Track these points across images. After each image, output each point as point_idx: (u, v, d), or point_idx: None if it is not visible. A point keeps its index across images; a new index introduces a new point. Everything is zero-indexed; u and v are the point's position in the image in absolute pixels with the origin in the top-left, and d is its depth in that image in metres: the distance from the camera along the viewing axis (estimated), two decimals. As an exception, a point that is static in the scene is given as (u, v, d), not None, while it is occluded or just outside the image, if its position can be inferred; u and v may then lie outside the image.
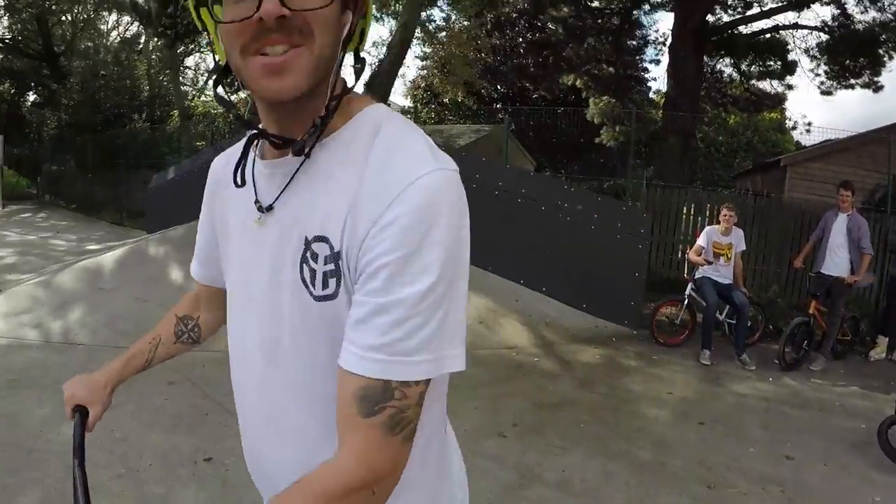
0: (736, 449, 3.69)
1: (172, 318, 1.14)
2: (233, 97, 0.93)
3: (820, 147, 11.53)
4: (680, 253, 8.11)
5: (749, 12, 14.28)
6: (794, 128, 19.23)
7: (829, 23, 13.40)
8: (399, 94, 30.08)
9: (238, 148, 0.86)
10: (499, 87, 21.51)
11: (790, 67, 15.12)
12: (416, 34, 14.19)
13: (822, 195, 8.89)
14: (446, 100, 19.23)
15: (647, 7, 15.96)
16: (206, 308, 1.14)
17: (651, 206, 8.00)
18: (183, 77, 22.20)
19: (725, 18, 14.81)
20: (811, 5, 13.08)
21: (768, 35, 14.55)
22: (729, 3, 14.46)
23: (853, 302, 6.69)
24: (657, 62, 31.05)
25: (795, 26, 14.24)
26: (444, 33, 17.26)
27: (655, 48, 20.04)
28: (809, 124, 20.60)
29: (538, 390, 4.51)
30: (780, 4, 13.68)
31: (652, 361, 5.41)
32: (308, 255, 0.74)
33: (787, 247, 7.65)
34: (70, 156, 18.85)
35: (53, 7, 19.57)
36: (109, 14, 23.11)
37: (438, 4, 15.92)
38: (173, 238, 6.49)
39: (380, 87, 10.57)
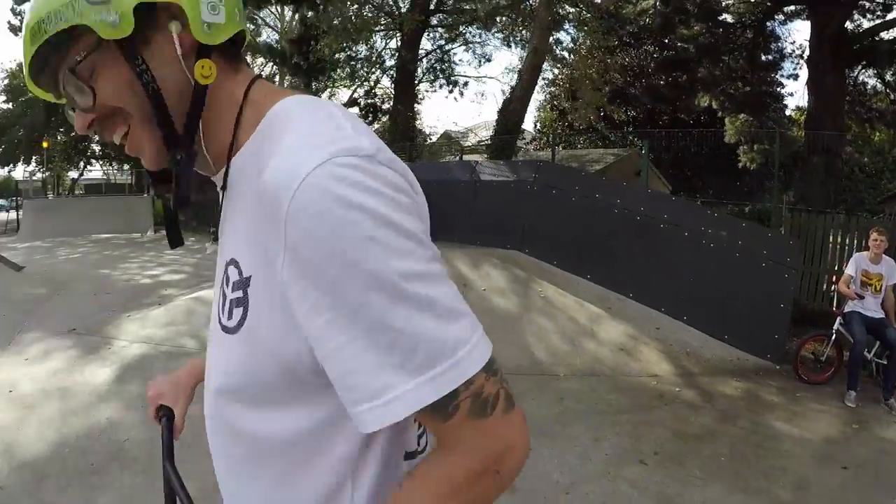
0: (882, 498, 3.41)
1: None
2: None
3: None
4: (825, 284, 7.42)
5: (889, 16, 12.81)
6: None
7: None
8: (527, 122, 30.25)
9: None
10: (628, 110, 20.98)
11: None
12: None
13: None
14: (577, 124, 19.11)
15: (780, 17, 14.86)
16: None
17: (795, 232, 7.45)
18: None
19: (865, 24, 13.39)
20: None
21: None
22: (868, 6, 13.08)
23: None
24: (795, 77, 28.59)
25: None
26: (571, 56, 17.25)
27: (793, 62, 18.54)
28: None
29: (679, 420, 4.41)
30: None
31: (794, 399, 5.05)
32: (223, 279, 0.68)
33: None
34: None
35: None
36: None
37: (565, 28, 16.02)
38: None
39: (514, 113, 10.83)
